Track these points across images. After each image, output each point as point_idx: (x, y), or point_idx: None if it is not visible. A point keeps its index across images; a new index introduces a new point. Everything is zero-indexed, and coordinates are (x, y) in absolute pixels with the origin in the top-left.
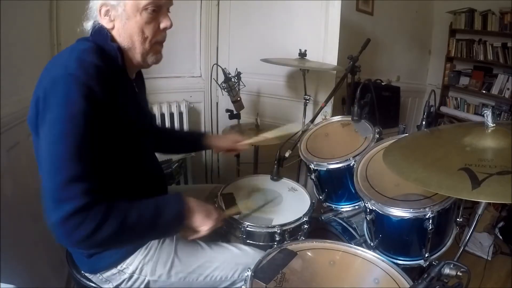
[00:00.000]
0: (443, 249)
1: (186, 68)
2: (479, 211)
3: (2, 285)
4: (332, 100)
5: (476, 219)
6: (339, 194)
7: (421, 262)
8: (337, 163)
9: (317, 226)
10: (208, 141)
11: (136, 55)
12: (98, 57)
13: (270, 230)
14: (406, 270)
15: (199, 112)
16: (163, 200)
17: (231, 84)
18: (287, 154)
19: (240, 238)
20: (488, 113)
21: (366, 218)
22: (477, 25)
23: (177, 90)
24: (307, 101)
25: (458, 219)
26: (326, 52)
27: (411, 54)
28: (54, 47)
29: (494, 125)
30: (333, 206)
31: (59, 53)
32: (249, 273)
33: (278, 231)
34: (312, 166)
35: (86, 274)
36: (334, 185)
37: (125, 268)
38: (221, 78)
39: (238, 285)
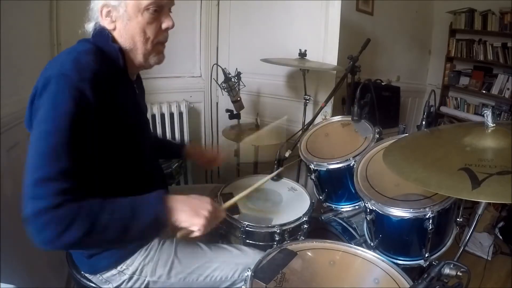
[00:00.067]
0: (443, 249)
1: (186, 68)
2: (479, 211)
3: (2, 285)
4: (332, 100)
5: (476, 219)
6: (339, 194)
7: (421, 262)
8: (337, 163)
9: (317, 226)
10: (187, 153)
11: (138, 55)
12: (97, 59)
13: (269, 230)
14: (406, 270)
15: (199, 112)
16: (141, 200)
17: (231, 84)
18: (287, 154)
19: (239, 238)
20: (488, 113)
21: (366, 218)
22: (477, 25)
23: (177, 90)
24: (307, 101)
25: (458, 219)
26: (326, 52)
27: (411, 54)
28: (54, 47)
29: (494, 125)
30: (333, 206)
31: (59, 54)
32: (249, 273)
33: (278, 231)
34: (312, 166)
35: (86, 275)
36: (334, 185)
37: (125, 269)
38: (221, 78)
39: (238, 285)
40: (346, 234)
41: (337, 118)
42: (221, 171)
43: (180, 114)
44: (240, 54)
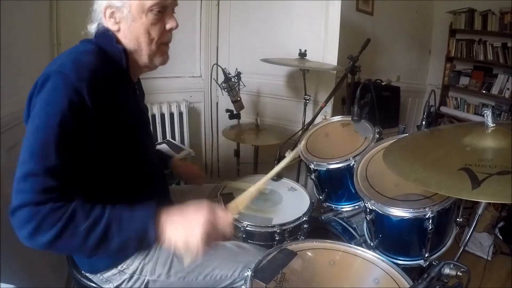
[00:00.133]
0: (443, 249)
1: (186, 68)
2: (479, 211)
3: (2, 285)
4: (332, 100)
5: (476, 219)
6: (339, 194)
7: (421, 262)
8: (337, 163)
9: (317, 226)
10: (173, 165)
11: (143, 56)
12: (98, 60)
13: (270, 229)
14: (406, 270)
15: (199, 112)
16: (130, 212)
17: (231, 84)
18: (287, 154)
19: (239, 238)
20: (488, 113)
21: (366, 218)
22: (477, 25)
23: (177, 90)
24: (307, 101)
25: (458, 219)
26: (326, 52)
27: (411, 54)
28: (54, 47)
29: (494, 125)
30: (333, 206)
31: (61, 54)
32: (249, 273)
33: (278, 231)
34: (312, 166)
35: (86, 274)
36: (334, 185)
37: (125, 269)
38: (221, 78)
39: (238, 284)
40: (346, 234)
41: (337, 118)
42: (221, 171)
43: (180, 114)
44: (240, 54)
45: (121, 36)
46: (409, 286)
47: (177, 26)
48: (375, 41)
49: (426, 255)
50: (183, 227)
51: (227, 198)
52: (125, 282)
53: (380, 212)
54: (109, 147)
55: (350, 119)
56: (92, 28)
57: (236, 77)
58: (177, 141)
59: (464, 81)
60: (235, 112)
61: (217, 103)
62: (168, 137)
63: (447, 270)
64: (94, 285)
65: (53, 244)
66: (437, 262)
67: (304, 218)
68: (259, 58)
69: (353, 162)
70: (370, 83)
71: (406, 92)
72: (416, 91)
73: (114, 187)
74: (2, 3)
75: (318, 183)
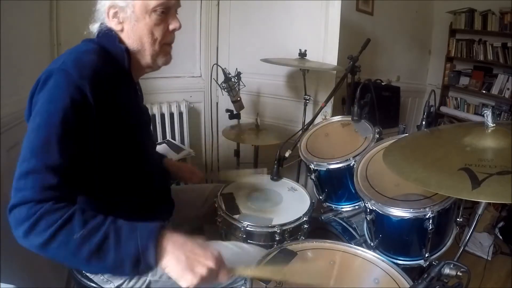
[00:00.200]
0: (443, 249)
1: (186, 68)
2: (479, 211)
3: (2, 285)
4: (332, 100)
5: (476, 219)
6: (339, 194)
7: (421, 262)
8: (337, 163)
9: (317, 226)
10: (167, 165)
11: (146, 57)
12: (100, 59)
13: (270, 230)
14: (406, 270)
15: (199, 112)
16: (131, 228)
17: (231, 84)
18: (287, 154)
19: (240, 238)
20: (488, 113)
21: (366, 218)
22: (477, 25)
23: (177, 90)
24: (307, 101)
25: (458, 219)
26: (326, 52)
27: (411, 54)
28: (54, 47)
29: (494, 125)
30: (333, 206)
31: (63, 53)
32: None
33: (278, 231)
34: (312, 166)
35: (87, 274)
36: (334, 185)
37: None
38: (221, 78)
39: (238, 284)
40: (346, 234)
41: (337, 118)
42: (221, 171)
43: (180, 114)
44: (240, 54)
45: (124, 36)
46: (409, 286)
47: (180, 27)
48: (375, 41)
49: (426, 255)
50: (187, 260)
51: (227, 198)
52: (126, 282)
53: (380, 212)
54: (110, 146)
55: (350, 119)
56: (94, 27)
57: (236, 77)
58: (177, 141)
59: (464, 81)
60: (235, 112)
61: (217, 103)
62: (168, 137)
63: (447, 270)
64: (94, 285)
65: (46, 246)
66: (437, 262)
67: (304, 218)
68: (259, 58)
69: (353, 162)
70: (370, 83)
71: (406, 92)
72: (416, 91)
73: (114, 186)
74: (2, 3)
75: (318, 183)
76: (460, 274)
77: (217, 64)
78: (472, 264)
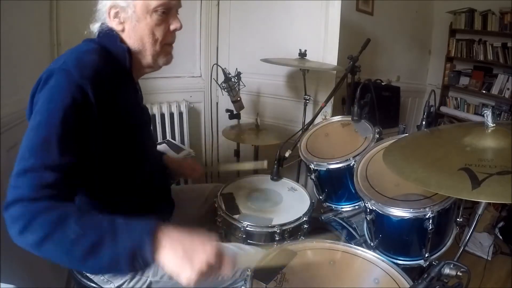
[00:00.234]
0: (443, 249)
1: (186, 68)
2: (479, 211)
3: (2, 285)
4: (332, 100)
5: (476, 219)
6: (339, 194)
7: (421, 262)
8: (337, 163)
9: (317, 226)
10: (167, 162)
11: (147, 57)
12: (101, 59)
13: (270, 230)
14: (406, 270)
15: (199, 112)
16: (127, 224)
17: (231, 84)
18: (287, 154)
19: (240, 238)
20: (488, 113)
21: (366, 218)
22: (477, 25)
23: (177, 90)
24: (307, 101)
25: (458, 219)
26: (326, 52)
27: (411, 54)
28: (54, 47)
29: (494, 125)
30: (333, 206)
31: (64, 53)
32: (249, 273)
33: (278, 231)
34: (312, 166)
35: (87, 274)
36: (334, 185)
37: None
38: (221, 78)
39: (239, 284)
40: (346, 234)
41: (337, 118)
42: (221, 171)
43: (180, 114)
44: (240, 54)
45: (125, 36)
46: (409, 286)
47: (181, 27)
48: (375, 41)
49: (426, 255)
50: (184, 254)
51: (227, 198)
52: (126, 283)
53: (380, 212)
54: (111, 146)
55: (350, 119)
56: (95, 27)
57: (236, 77)
58: (177, 141)
59: (464, 81)
60: (235, 112)
61: (217, 103)
62: (168, 137)
63: (447, 270)
64: (94, 285)
65: (41, 245)
66: (437, 262)
67: (304, 218)
68: (259, 58)
69: (353, 162)
70: (370, 83)
71: (406, 92)
72: (416, 91)
73: (115, 186)
74: (2, 3)
75: (318, 183)
76: (460, 274)
77: (217, 64)
78: (472, 264)
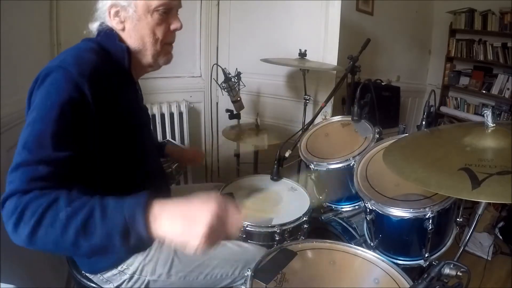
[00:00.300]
0: (443, 249)
1: (186, 68)
2: (479, 211)
3: (2, 285)
4: (332, 100)
5: (476, 219)
6: (339, 194)
7: (421, 262)
8: (337, 163)
9: (317, 226)
10: (168, 152)
11: (147, 56)
12: (99, 58)
13: (270, 230)
14: (406, 270)
15: (199, 112)
16: (118, 200)
17: (231, 84)
18: (287, 154)
19: (240, 238)
20: (488, 113)
21: (366, 218)
22: (477, 25)
23: (177, 90)
24: (307, 101)
25: (458, 219)
26: (326, 52)
27: (411, 54)
28: (54, 47)
29: (494, 125)
30: (333, 206)
31: (63, 51)
32: (249, 273)
33: (278, 231)
34: (312, 166)
35: (86, 274)
36: (334, 185)
37: (125, 269)
38: (221, 78)
39: (239, 282)
40: (346, 234)
41: (337, 118)
42: (221, 171)
43: (180, 114)
44: (240, 54)
45: (125, 35)
46: (409, 286)
47: (181, 27)
48: (375, 41)
49: (426, 255)
50: (184, 219)
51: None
52: (125, 282)
53: (380, 212)
54: (110, 145)
55: (350, 119)
56: (94, 27)
57: (236, 77)
58: (177, 141)
59: (464, 81)
60: (235, 112)
61: (217, 103)
62: (168, 137)
63: (447, 270)
64: (94, 285)
65: (33, 236)
66: (437, 262)
67: (304, 218)
68: (259, 58)
69: (353, 162)
70: (370, 83)
71: (406, 92)
72: (416, 91)
73: (115, 186)
74: (2, 3)
75: (318, 183)
76: (460, 274)
77: (217, 64)
78: (472, 264)
